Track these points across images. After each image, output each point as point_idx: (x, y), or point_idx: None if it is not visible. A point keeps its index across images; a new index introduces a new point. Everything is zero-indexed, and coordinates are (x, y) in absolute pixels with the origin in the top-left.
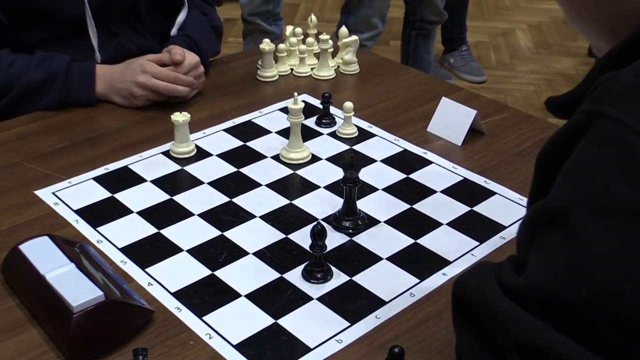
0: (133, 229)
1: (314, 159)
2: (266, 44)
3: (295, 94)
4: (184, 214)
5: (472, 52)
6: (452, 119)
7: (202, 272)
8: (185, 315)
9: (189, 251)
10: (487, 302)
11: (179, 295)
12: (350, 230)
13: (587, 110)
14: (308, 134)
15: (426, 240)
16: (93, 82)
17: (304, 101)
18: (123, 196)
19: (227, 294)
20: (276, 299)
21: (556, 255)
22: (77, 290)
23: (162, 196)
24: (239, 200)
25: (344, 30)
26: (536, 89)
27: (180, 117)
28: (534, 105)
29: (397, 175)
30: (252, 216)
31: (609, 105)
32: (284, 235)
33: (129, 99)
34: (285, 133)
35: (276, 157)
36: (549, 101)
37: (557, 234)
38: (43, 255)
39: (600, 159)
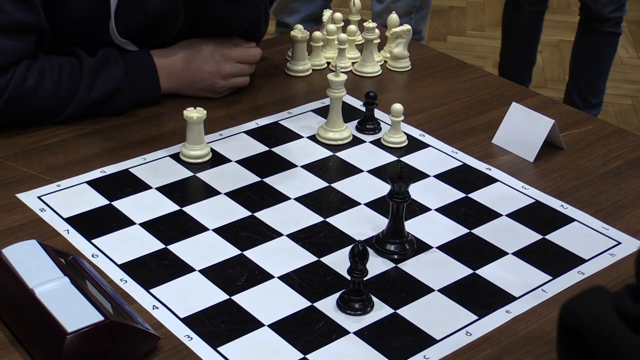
0: (135, 243)
1: (354, 170)
2: (298, 31)
3: (337, 64)
4: (197, 228)
5: None
6: (523, 130)
7: (218, 296)
8: (197, 345)
9: (201, 271)
10: (605, 332)
11: (190, 321)
12: (396, 256)
13: None
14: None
15: (487, 272)
16: (157, 82)
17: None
18: (123, 204)
19: (246, 323)
20: (305, 331)
21: None
22: (71, 308)
23: (171, 206)
24: (262, 215)
25: (394, 17)
26: (634, 104)
27: (194, 114)
28: (631, 123)
29: (454, 194)
30: (278, 234)
31: None
32: (316, 258)
33: (207, 91)
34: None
35: (307, 167)
36: None
37: None
38: (31, 264)
39: None
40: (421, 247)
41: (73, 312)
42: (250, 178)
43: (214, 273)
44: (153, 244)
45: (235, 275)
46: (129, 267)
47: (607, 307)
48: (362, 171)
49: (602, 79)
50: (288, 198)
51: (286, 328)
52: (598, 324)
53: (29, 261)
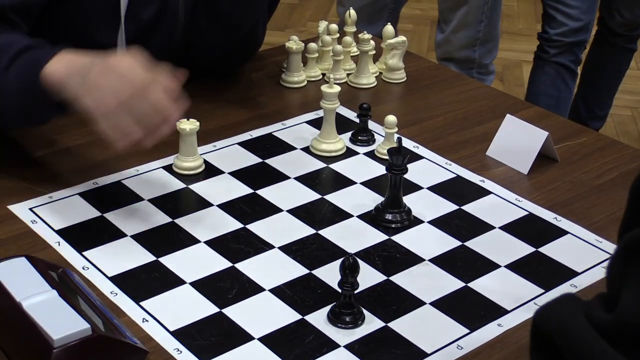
0: (126, 255)
1: (347, 182)
2: (293, 42)
3: (331, 75)
4: (188, 240)
5: None
6: (517, 142)
7: (208, 309)
8: (186, 359)
9: (192, 284)
10: (572, 335)
11: (180, 334)
12: (393, 225)
13: None
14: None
15: (479, 284)
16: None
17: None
18: (115, 216)
19: (236, 336)
20: (296, 344)
21: None
22: (58, 321)
23: (162, 218)
24: (255, 227)
25: (389, 29)
26: (633, 114)
27: (187, 125)
28: (629, 134)
29: (447, 206)
30: (270, 246)
31: None
32: (307, 271)
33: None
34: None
35: (300, 179)
36: None
37: None
38: (19, 279)
39: None
40: (413, 259)
41: (60, 325)
42: (243, 190)
43: (204, 285)
44: (144, 256)
45: (226, 287)
46: (119, 280)
47: (578, 312)
48: (355, 183)
49: (610, 92)
50: (280, 210)
51: (276, 341)
52: (571, 331)
53: (18, 275)
